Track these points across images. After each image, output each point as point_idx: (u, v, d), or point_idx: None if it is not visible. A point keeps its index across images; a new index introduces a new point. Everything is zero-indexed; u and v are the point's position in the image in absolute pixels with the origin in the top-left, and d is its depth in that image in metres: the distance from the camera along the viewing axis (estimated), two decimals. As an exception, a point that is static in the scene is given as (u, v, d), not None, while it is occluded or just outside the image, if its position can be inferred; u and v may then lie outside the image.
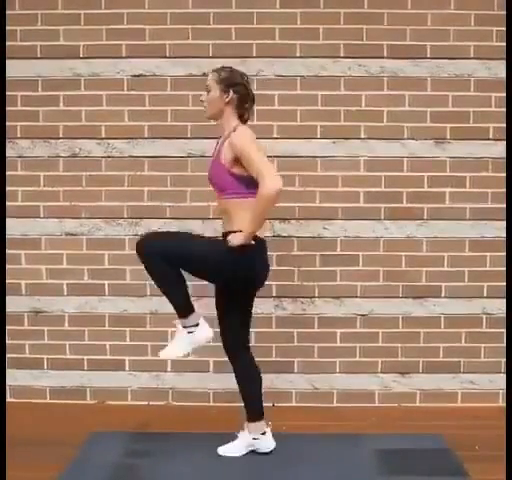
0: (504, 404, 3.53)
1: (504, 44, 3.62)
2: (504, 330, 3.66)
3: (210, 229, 3.62)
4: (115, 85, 3.77)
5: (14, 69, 3.73)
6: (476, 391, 3.80)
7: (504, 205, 3.72)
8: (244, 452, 3.10)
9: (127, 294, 3.83)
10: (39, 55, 3.75)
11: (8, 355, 3.75)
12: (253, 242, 2.80)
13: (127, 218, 3.82)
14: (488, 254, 3.77)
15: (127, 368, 3.85)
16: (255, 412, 3.10)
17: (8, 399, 3.77)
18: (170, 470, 2.95)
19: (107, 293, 3.83)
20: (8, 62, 3.71)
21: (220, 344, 3.09)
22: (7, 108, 3.74)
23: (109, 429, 3.40)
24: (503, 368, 3.73)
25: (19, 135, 3.80)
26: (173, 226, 3.77)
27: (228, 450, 3.11)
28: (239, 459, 3.06)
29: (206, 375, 3.76)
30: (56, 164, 3.81)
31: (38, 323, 3.85)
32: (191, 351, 2.92)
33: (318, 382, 3.83)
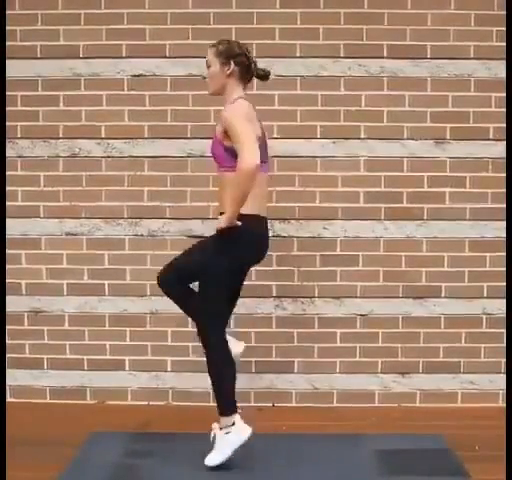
0: (504, 404, 3.53)
1: (504, 44, 3.62)
2: (504, 330, 3.66)
3: (210, 229, 3.61)
4: (115, 85, 3.77)
5: (14, 69, 3.73)
6: (476, 391, 3.80)
7: (504, 205, 3.72)
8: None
9: (127, 294, 3.83)
10: (39, 55, 3.75)
11: (8, 355, 3.75)
12: (239, 223, 2.76)
13: (127, 218, 3.82)
14: (488, 254, 3.77)
15: (127, 368, 3.85)
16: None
17: (8, 399, 3.77)
18: (170, 470, 2.95)
19: (107, 293, 3.83)
20: (8, 62, 3.71)
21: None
22: (7, 108, 3.74)
23: (109, 429, 3.40)
24: (503, 368, 3.73)
25: (19, 135, 3.80)
26: (173, 226, 3.78)
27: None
28: (239, 459, 3.05)
29: (206, 375, 3.74)
30: (56, 164, 3.81)
31: (38, 323, 3.85)
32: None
33: (318, 382, 3.83)
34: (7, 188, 3.73)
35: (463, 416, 3.62)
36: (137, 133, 3.78)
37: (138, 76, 3.77)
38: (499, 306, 3.76)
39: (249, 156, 2.65)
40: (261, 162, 2.78)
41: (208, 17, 3.73)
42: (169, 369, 3.83)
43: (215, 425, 2.94)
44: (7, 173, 3.77)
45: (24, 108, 3.78)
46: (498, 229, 3.75)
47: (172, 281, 2.98)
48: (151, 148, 3.79)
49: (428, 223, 3.78)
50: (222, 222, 2.79)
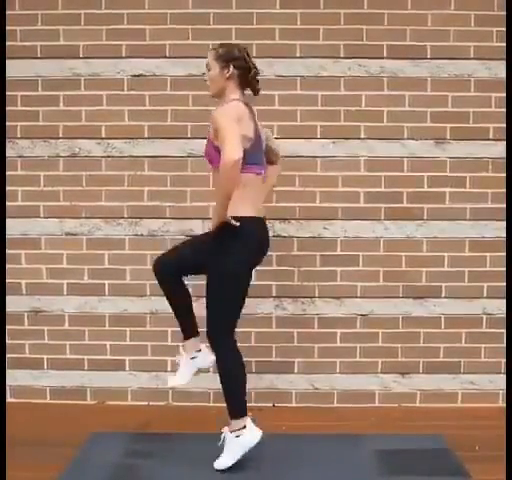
0: (504, 404, 3.53)
1: (504, 44, 3.62)
2: (504, 330, 3.66)
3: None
4: (115, 85, 3.77)
5: (14, 69, 3.73)
6: (476, 391, 3.80)
7: (504, 205, 3.72)
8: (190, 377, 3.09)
9: (127, 294, 3.83)
10: (39, 55, 3.75)
11: (8, 355, 3.75)
12: (233, 222, 2.75)
13: (127, 218, 3.82)
14: (488, 254, 3.77)
15: (127, 368, 3.85)
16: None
17: (8, 399, 3.77)
18: (170, 470, 2.95)
19: (107, 293, 3.83)
20: (8, 62, 3.71)
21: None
22: (7, 108, 3.74)
23: (109, 429, 3.40)
24: (503, 368, 3.73)
25: (19, 135, 3.80)
26: (173, 226, 3.78)
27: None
28: (239, 459, 3.05)
29: (206, 375, 3.75)
30: (56, 164, 3.81)
31: (38, 323, 3.85)
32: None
33: (318, 382, 3.83)
34: (7, 188, 3.73)
35: (463, 416, 3.62)
36: (137, 133, 3.78)
37: (138, 76, 3.77)
38: (499, 306, 3.76)
39: (229, 150, 2.63)
40: (253, 164, 2.79)
41: (208, 17, 3.73)
42: (169, 369, 3.82)
43: (226, 428, 2.93)
44: (7, 173, 3.77)
45: (24, 108, 3.78)
46: (498, 229, 3.75)
47: (171, 269, 2.97)
48: (151, 148, 3.79)
49: (428, 223, 3.78)
50: (212, 223, 2.83)
